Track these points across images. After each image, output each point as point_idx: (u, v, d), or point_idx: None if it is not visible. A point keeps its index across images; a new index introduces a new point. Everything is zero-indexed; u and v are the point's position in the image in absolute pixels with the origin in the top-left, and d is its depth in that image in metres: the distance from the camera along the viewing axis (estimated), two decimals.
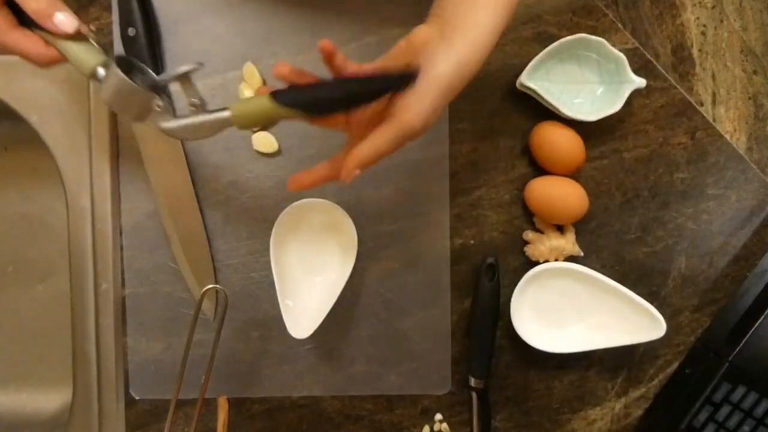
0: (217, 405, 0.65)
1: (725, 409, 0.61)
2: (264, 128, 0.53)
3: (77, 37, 0.45)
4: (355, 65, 0.45)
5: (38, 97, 0.61)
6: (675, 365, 0.66)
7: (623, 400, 0.66)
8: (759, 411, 0.60)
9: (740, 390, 0.60)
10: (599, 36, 0.59)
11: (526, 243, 0.64)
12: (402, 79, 0.42)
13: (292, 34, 0.62)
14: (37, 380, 0.71)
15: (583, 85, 0.62)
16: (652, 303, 0.61)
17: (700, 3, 0.67)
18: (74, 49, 0.44)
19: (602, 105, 0.61)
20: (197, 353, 0.63)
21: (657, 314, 0.60)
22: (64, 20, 0.42)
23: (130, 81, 0.44)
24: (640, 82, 0.60)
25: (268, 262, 0.60)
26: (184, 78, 0.45)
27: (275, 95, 0.43)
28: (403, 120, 0.42)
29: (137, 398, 0.65)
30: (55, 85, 0.61)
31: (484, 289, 0.62)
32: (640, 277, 0.65)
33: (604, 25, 0.62)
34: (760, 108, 0.68)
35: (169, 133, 0.47)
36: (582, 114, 0.60)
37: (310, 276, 0.62)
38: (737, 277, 0.65)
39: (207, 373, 0.60)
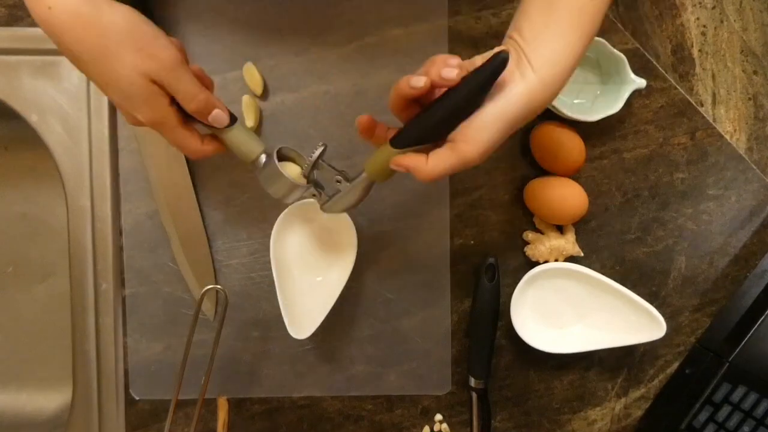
0: (217, 405, 0.65)
1: (725, 410, 0.61)
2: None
3: (239, 128, 0.50)
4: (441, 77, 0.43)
5: (38, 97, 0.61)
6: (675, 365, 0.66)
7: (623, 400, 0.66)
8: (759, 411, 0.60)
9: (740, 390, 0.60)
10: (599, 36, 0.59)
11: (526, 243, 0.64)
12: (496, 69, 0.40)
13: (292, 34, 0.62)
14: (37, 380, 0.71)
15: (583, 85, 0.62)
16: (652, 303, 0.61)
17: (700, 3, 0.67)
18: (237, 139, 0.50)
19: (602, 105, 0.61)
20: (197, 353, 0.63)
21: (657, 314, 0.60)
22: (217, 116, 0.48)
23: (283, 172, 0.50)
24: (640, 82, 0.60)
25: (268, 262, 0.60)
26: (318, 160, 0.51)
27: (394, 142, 0.45)
28: (462, 150, 0.41)
29: (137, 398, 0.65)
30: (55, 85, 0.61)
31: (484, 289, 0.62)
32: (640, 277, 0.65)
33: (604, 25, 0.62)
34: (760, 108, 0.68)
35: (330, 211, 0.53)
36: (582, 114, 0.60)
37: (310, 276, 0.62)
38: (737, 277, 0.65)
39: (207, 373, 0.60)
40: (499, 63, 0.39)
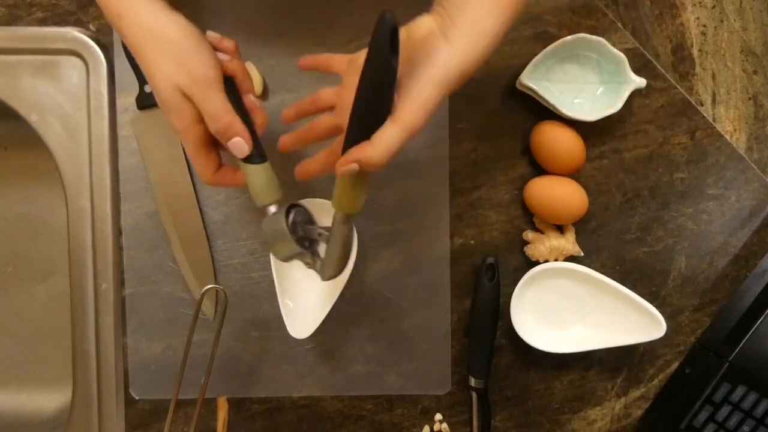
0: (217, 405, 0.65)
1: (725, 409, 0.61)
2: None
3: (263, 168, 0.48)
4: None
5: (38, 97, 0.61)
6: (675, 365, 0.66)
7: (623, 400, 0.66)
8: (759, 411, 0.60)
9: (740, 390, 0.60)
10: (599, 36, 0.59)
11: (526, 243, 0.64)
12: (386, 31, 0.38)
13: (293, 34, 0.62)
14: (37, 380, 0.71)
15: (583, 85, 0.62)
16: (652, 303, 0.61)
17: (700, 3, 0.67)
18: (258, 179, 0.48)
19: (602, 105, 0.61)
20: (197, 353, 0.63)
21: (657, 314, 0.60)
22: (237, 144, 0.46)
23: (288, 232, 0.48)
24: (640, 82, 0.60)
25: (268, 262, 0.60)
26: (296, 223, 0.49)
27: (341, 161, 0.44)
28: (403, 119, 0.41)
29: (137, 398, 0.65)
30: (55, 85, 0.61)
31: (484, 289, 0.62)
32: (640, 277, 0.65)
33: (604, 25, 0.62)
34: (760, 108, 0.68)
35: (329, 275, 0.49)
36: (582, 114, 0.60)
37: (310, 276, 0.62)
38: (737, 277, 0.65)
39: (207, 373, 0.60)
40: (386, 23, 0.38)
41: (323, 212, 0.61)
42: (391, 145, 0.41)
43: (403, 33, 0.43)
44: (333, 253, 0.48)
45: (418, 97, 0.41)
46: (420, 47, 0.42)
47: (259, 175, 0.48)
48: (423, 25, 0.43)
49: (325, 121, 0.51)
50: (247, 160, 0.47)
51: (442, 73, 0.41)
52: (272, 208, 0.49)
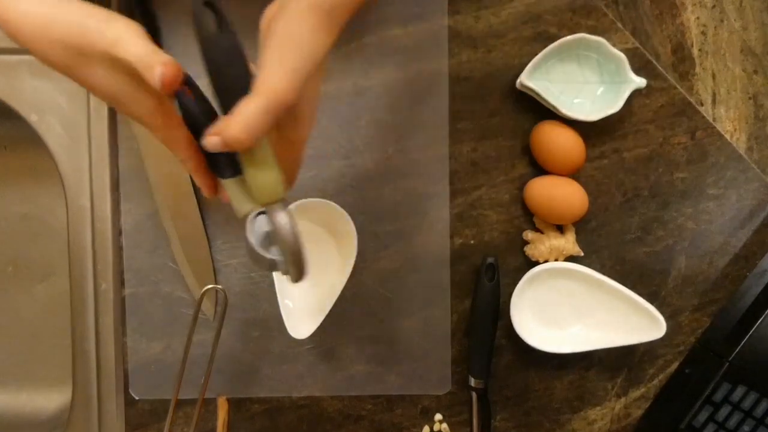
0: (217, 405, 0.65)
1: (725, 409, 0.61)
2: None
3: (236, 181, 0.42)
4: None
5: (38, 97, 0.61)
6: (675, 365, 0.66)
7: (623, 400, 0.66)
8: (759, 411, 0.60)
9: (740, 390, 0.60)
10: (599, 36, 0.59)
11: (526, 243, 0.64)
12: (195, 17, 0.37)
13: None
14: (37, 380, 0.71)
15: (583, 85, 0.62)
16: (652, 303, 0.61)
17: (700, 3, 0.67)
18: (232, 191, 0.42)
19: (602, 105, 0.61)
20: (197, 353, 0.63)
21: (657, 314, 0.60)
22: (161, 75, 0.37)
23: (252, 246, 0.41)
24: (640, 82, 0.60)
25: None
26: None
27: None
28: (258, 90, 0.37)
29: (137, 398, 0.65)
30: (55, 85, 0.61)
31: (484, 289, 0.62)
32: (640, 277, 0.65)
33: (604, 25, 0.62)
34: (760, 108, 0.68)
35: (299, 276, 0.43)
36: (582, 114, 0.60)
37: (310, 276, 0.62)
38: (737, 277, 0.65)
39: (207, 373, 0.60)
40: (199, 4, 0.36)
41: (314, 212, 0.61)
42: (250, 116, 0.36)
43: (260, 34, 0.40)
44: (284, 252, 0.42)
45: (270, 60, 0.37)
46: (266, 31, 0.39)
47: (232, 189, 0.43)
48: (269, 10, 0.40)
49: None
50: (220, 174, 0.43)
51: (277, 30, 0.37)
52: (250, 217, 0.42)
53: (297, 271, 0.42)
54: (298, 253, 0.41)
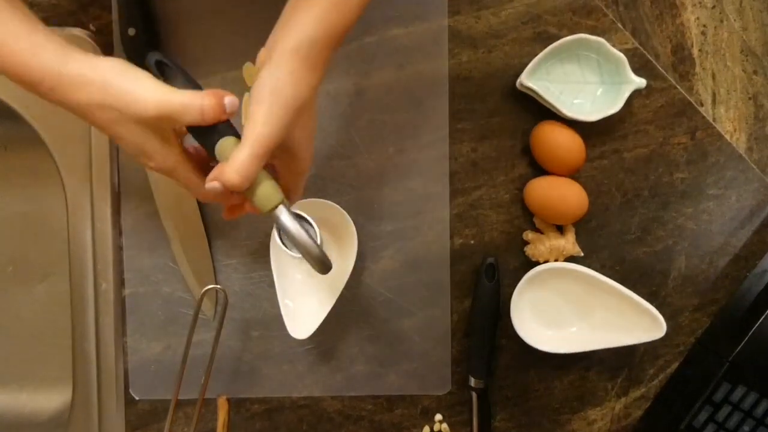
0: (217, 405, 0.65)
1: (725, 409, 0.61)
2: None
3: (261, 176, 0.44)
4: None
5: (38, 97, 0.61)
6: (675, 365, 0.66)
7: (623, 400, 0.66)
8: (759, 411, 0.60)
9: (740, 390, 0.60)
10: (599, 36, 0.59)
11: (526, 243, 0.64)
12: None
13: None
14: (37, 380, 0.71)
15: (583, 85, 0.62)
16: (652, 303, 0.61)
17: (700, 3, 0.67)
18: (262, 177, 0.44)
19: (602, 105, 0.61)
20: (197, 353, 0.63)
21: (657, 314, 0.60)
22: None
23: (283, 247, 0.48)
24: (640, 82, 0.60)
25: (268, 262, 0.60)
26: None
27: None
28: (251, 133, 0.41)
29: (137, 398, 0.65)
30: None
31: (484, 289, 0.62)
32: (640, 277, 0.65)
33: (604, 25, 0.62)
34: (760, 108, 0.68)
35: (324, 265, 0.46)
36: (582, 114, 0.60)
37: (310, 276, 0.62)
38: (737, 277, 0.65)
39: (207, 373, 0.60)
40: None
41: (314, 212, 0.60)
42: (243, 164, 0.41)
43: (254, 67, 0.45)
44: (298, 250, 0.46)
45: (255, 108, 0.41)
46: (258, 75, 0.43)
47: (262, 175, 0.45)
48: (259, 56, 0.44)
49: None
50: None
51: (261, 80, 0.42)
52: (279, 210, 0.45)
53: (315, 265, 0.45)
54: (308, 250, 0.44)
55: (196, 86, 0.46)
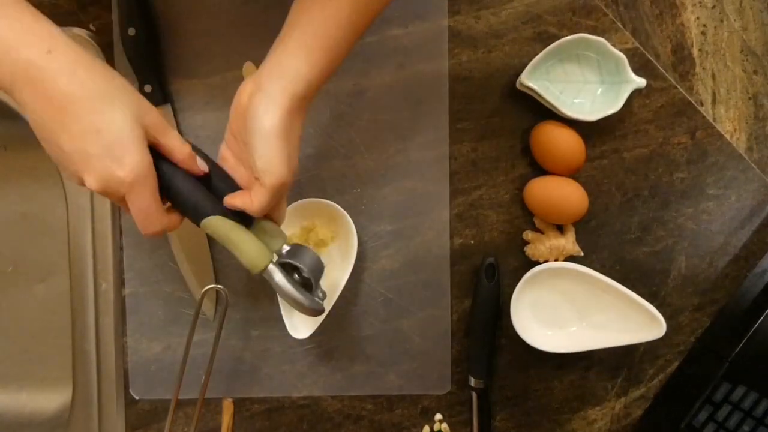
0: (221, 406, 0.65)
1: (725, 409, 0.61)
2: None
3: (256, 226, 0.48)
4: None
5: None
6: (675, 365, 0.66)
7: (623, 400, 0.66)
8: (759, 411, 0.60)
9: (740, 390, 0.60)
10: (599, 36, 0.59)
11: (526, 243, 0.64)
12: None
13: None
14: (37, 380, 0.71)
15: (583, 85, 0.62)
16: (652, 303, 0.61)
17: (700, 3, 0.67)
18: (247, 243, 0.47)
19: (602, 105, 0.61)
20: (197, 353, 0.63)
21: (657, 314, 0.60)
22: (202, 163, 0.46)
23: (291, 287, 0.48)
24: (640, 82, 0.60)
25: None
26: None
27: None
28: (268, 183, 0.44)
29: (137, 398, 0.65)
30: None
31: (484, 289, 0.62)
32: (640, 277, 0.65)
33: (604, 24, 0.62)
34: (760, 108, 0.68)
35: (316, 307, 0.49)
36: (582, 114, 0.60)
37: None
38: (737, 277, 0.65)
39: (207, 373, 0.60)
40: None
41: (314, 212, 0.61)
42: (268, 203, 0.45)
43: (234, 104, 0.46)
44: (292, 306, 0.49)
45: (263, 158, 0.43)
46: (247, 110, 0.44)
47: (247, 242, 0.47)
48: (245, 89, 0.45)
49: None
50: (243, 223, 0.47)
51: (269, 127, 0.43)
52: (271, 267, 0.48)
53: (306, 313, 0.49)
54: (298, 305, 0.48)
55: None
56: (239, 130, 0.46)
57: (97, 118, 0.40)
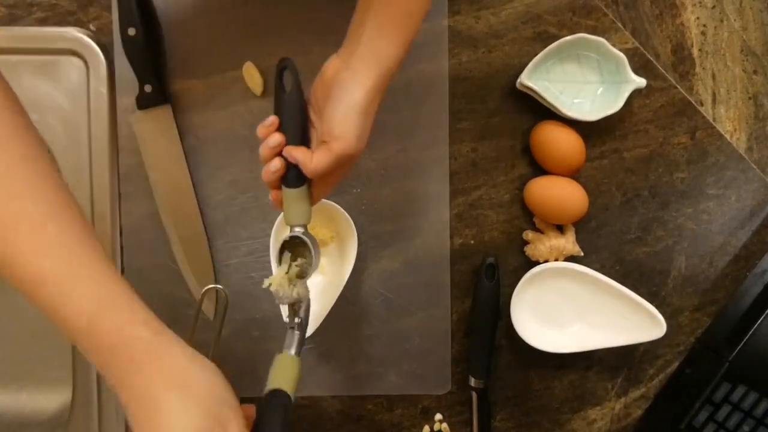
0: None
1: (725, 409, 0.61)
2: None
3: (299, 192, 0.49)
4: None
5: (38, 97, 0.61)
6: (675, 365, 0.66)
7: (623, 400, 0.66)
8: (759, 411, 0.60)
9: (740, 390, 0.60)
10: (599, 36, 0.59)
11: (526, 243, 0.64)
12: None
13: (293, 33, 0.62)
14: (37, 380, 0.71)
15: (583, 85, 0.62)
16: (652, 303, 0.61)
17: (700, 3, 0.67)
18: (290, 201, 0.49)
19: (602, 105, 0.61)
20: None
21: (657, 314, 0.60)
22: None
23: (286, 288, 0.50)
24: (640, 81, 0.60)
25: (268, 262, 0.60)
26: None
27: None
28: (336, 148, 0.46)
29: None
30: (55, 85, 0.61)
31: (484, 289, 0.62)
32: (640, 277, 0.65)
33: (604, 24, 0.62)
34: (760, 108, 0.68)
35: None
36: (582, 114, 0.60)
37: (310, 276, 0.62)
38: (737, 277, 0.65)
39: None
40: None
41: (314, 212, 0.60)
42: (326, 167, 0.46)
43: (318, 77, 0.48)
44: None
45: (344, 126, 0.46)
46: (332, 83, 0.46)
47: (291, 199, 0.49)
48: (331, 65, 0.47)
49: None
50: (285, 183, 0.49)
51: (353, 100, 0.46)
52: (297, 230, 0.50)
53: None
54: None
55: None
56: (317, 100, 0.48)
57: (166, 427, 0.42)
